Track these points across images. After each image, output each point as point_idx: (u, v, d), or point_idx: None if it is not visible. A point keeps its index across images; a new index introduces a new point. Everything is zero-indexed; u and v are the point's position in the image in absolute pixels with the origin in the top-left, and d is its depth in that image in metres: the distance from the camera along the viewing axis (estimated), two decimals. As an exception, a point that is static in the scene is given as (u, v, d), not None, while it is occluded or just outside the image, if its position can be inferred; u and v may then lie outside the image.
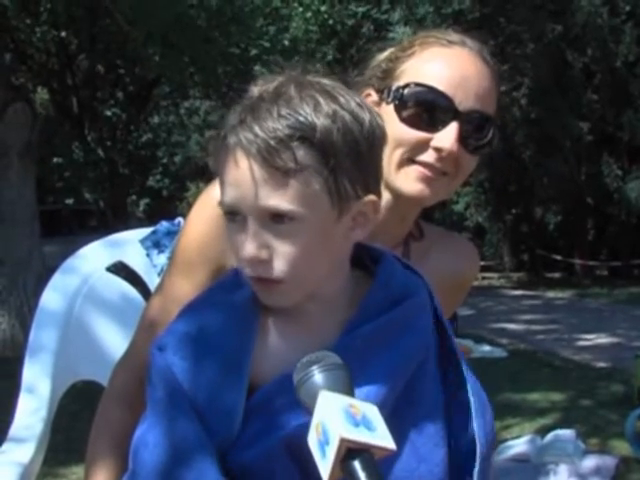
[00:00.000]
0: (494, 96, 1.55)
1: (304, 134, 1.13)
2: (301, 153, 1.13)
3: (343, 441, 0.96)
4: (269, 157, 1.13)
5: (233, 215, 1.18)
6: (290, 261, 1.17)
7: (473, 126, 1.51)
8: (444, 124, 1.49)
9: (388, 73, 1.56)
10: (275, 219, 1.15)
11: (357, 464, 0.96)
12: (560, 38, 20.82)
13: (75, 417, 4.36)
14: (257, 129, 1.13)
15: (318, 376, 1.06)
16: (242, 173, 1.15)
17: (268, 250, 1.16)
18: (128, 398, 1.50)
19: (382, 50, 1.62)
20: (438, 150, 1.49)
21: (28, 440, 1.89)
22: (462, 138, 1.49)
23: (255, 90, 1.21)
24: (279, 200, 1.14)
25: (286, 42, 16.63)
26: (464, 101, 1.48)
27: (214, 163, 1.23)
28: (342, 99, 1.19)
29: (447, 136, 1.48)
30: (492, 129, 1.54)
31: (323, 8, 18.71)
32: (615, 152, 21.57)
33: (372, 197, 1.22)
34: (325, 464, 0.98)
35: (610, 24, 20.50)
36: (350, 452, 0.96)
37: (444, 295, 1.40)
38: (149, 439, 1.22)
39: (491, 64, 1.56)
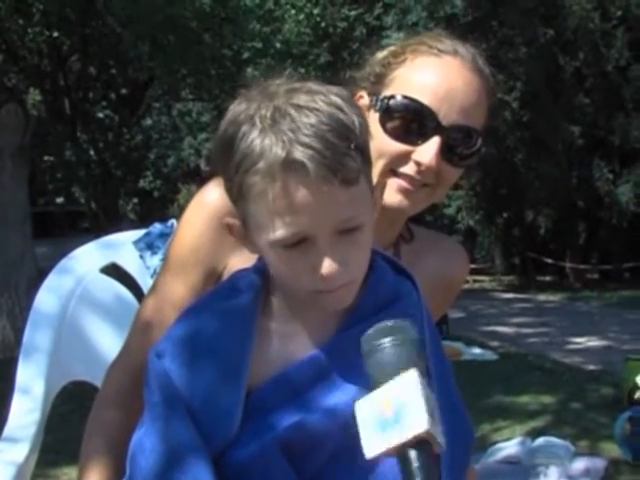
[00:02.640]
0: (483, 107, 1.54)
1: (353, 140, 1.14)
2: (358, 158, 1.14)
3: (426, 433, 0.96)
4: (341, 172, 1.11)
5: (296, 242, 1.15)
6: (362, 264, 1.20)
7: (456, 140, 1.50)
8: (426, 138, 1.48)
9: (380, 78, 1.55)
10: (346, 231, 1.15)
11: (414, 453, 0.97)
12: (552, 42, 20.86)
13: (65, 418, 4.37)
14: (318, 147, 1.11)
15: (394, 349, 1.05)
16: (311, 198, 1.11)
17: (344, 261, 1.16)
18: (122, 399, 1.50)
19: (381, 50, 1.61)
20: (418, 164, 1.49)
21: (22, 440, 1.90)
22: (444, 152, 1.49)
23: (259, 110, 1.16)
24: (350, 212, 1.14)
25: (278, 44, 16.62)
26: (448, 115, 1.47)
27: (244, 192, 1.17)
28: (335, 90, 1.20)
29: (427, 150, 1.48)
30: (478, 141, 1.53)
31: (316, 11, 18.72)
32: (606, 156, 21.59)
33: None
34: (382, 441, 0.98)
35: (602, 28, 20.55)
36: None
37: (434, 297, 1.41)
38: (146, 444, 1.23)
39: (484, 73, 1.54)
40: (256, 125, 1.14)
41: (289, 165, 1.11)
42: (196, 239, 1.49)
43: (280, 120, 1.13)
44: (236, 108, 1.19)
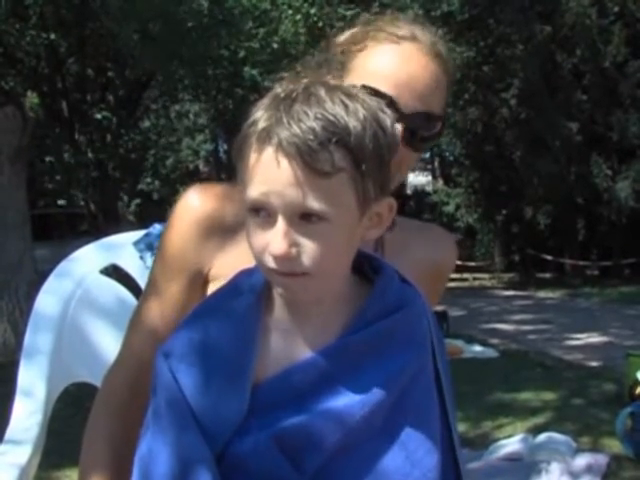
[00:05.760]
0: (443, 91, 1.54)
1: (341, 138, 1.14)
2: (338, 156, 1.14)
3: None
4: (308, 158, 1.12)
5: (258, 210, 1.17)
6: (317, 258, 1.17)
7: (417, 126, 1.51)
8: None
9: (342, 65, 1.56)
10: (305, 218, 1.15)
11: None
12: (549, 39, 20.90)
13: (68, 421, 4.36)
14: (296, 129, 1.13)
15: None
16: (277, 172, 1.13)
17: (297, 247, 1.16)
18: (122, 403, 1.50)
19: (341, 33, 1.62)
20: None
21: (25, 442, 1.90)
22: (405, 138, 1.49)
23: (280, 89, 1.20)
24: (313, 201, 1.14)
25: (275, 44, 16.61)
26: (409, 103, 1.48)
27: (237, 156, 1.21)
28: (367, 104, 1.20)
29: None
30: (437, 125, 1.54)
31: (312, 10, 18.68)
32: (605, 152, 21.61)
33: (389, 199, 1.25)
34: None
35: (599, 25, 20.58)
36: None
37: (423, 285, 1.40)
38: (154, 450, 1.23)
39: (443, 57, 1.55)
40: (268, 102, 1.19)
41: (265, 135, 1.15)
42: (181, 245, 1.50)
43: (285, 101, 1.17)
44: (275, 86, 1.23)
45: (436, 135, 1.55)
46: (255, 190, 1.16)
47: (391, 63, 1.51)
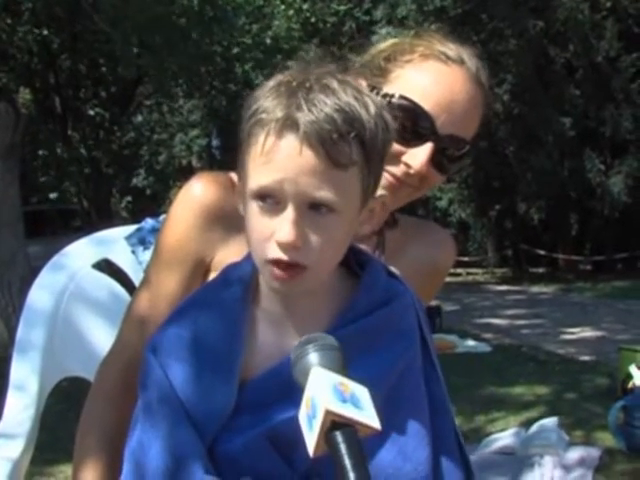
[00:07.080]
0: (477, 120, 1.56)
1: (359, 132, 1.16)
2: (355, 150, 1.15)
3: (328, 413, 0.99)
4: (330, 149, 1.13)
5: (264, 197, 1.17)
6: (320, 250, 1.17)
7: (447, 149, 1.52)
8: (419, 142, 1.50)
9: (383, 72, 1.55)
10: (315, 208, 1.16)
11: (339, 436, 0.99)
12: (542, 34, 20.90)
13: (62, 416, 4.36)
14: (318, 117, 1.13)
15: (312, 355, 1.08)
16: (296, 159, 1.14)
17: (303, 237, 1.16)
18: (116, 394, 1.51)
19: (384, 40, 1.62)
20: (407, 166, 1.50)
21: (18, 436, 1.90)
22: (434, 159, 1.51)
23: (289, 77, 1.20)
24: (327, 192, 1.15)
25: (268, 40, 16.62)
26: (446, 125, 1.49)
27: (245, 141, 1.21)
28: (373, 98, 1.22)
29: (419, 155, 1.49)
30: (465, 150, 1.55)
31: (305, 6, 18.69)
32: (598, 147, 21.65)
33: (382, 196, 1.26)
34: (311, 436, 1.01)
35: (591, 20, 20.59)
36: (335, 426, 1.00)
37: (421, 283, 1.41)
38: (145, 444, 1.24)
39: (484, 87, 1.56)
40: (280, 89, 1.18)
41: (286, 121, 1.14)
42: (184, 234, 1.50)
43: (301, 89, 1.17)
44: (277, 76, 1.23)
45: (461, 158, 1.56)
46: (268, 176, 1.16)
47: (436, 82, 1.51)
